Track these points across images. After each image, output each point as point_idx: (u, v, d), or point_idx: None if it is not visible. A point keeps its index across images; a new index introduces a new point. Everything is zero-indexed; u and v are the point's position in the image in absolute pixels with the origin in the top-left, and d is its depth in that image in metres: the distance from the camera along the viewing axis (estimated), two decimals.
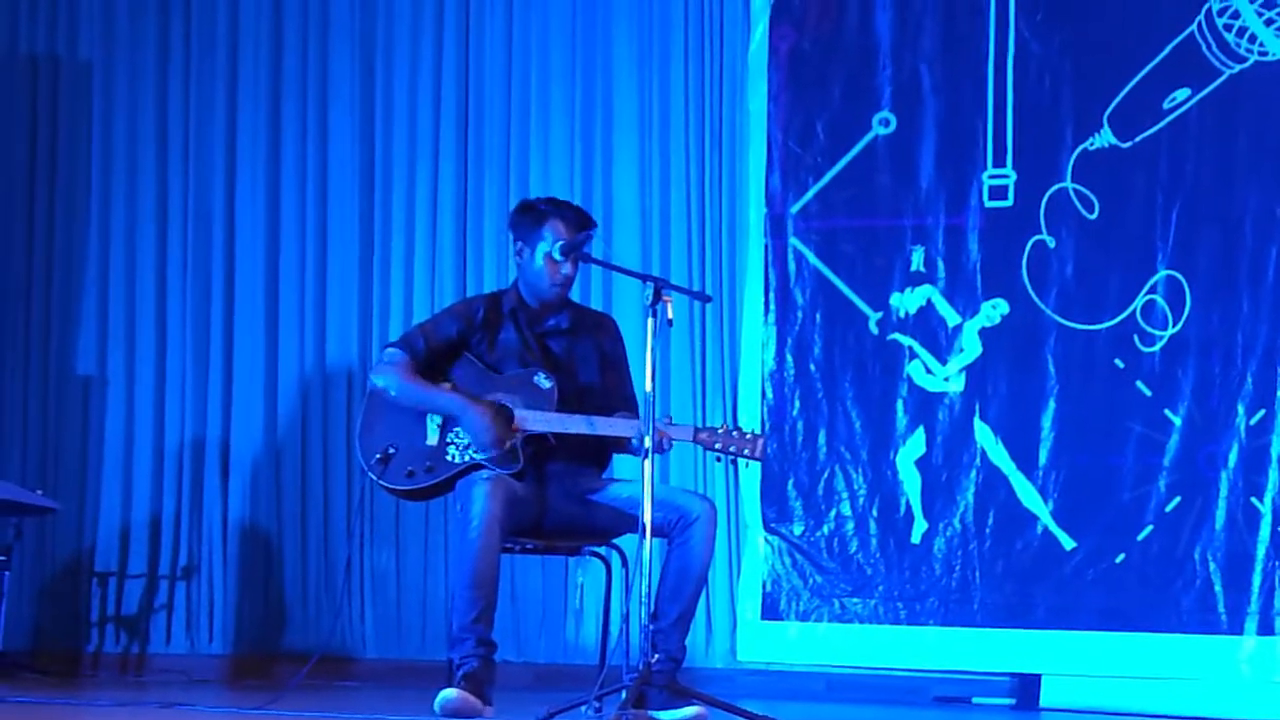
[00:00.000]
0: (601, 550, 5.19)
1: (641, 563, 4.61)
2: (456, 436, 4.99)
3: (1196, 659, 6.02)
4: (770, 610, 6.50)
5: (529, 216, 5.14)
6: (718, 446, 4.89)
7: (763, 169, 6.66)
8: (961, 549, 6.32)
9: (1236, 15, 6.17)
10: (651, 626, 4.67)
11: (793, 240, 6.61)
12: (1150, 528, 6.13)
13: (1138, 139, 6.27)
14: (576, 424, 4.96)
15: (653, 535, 4.67)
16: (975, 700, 6.31)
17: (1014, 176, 6.40)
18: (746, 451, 4.88)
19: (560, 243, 5.04)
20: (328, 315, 7.22)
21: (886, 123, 6.55)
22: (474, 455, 4.96)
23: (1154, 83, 6.24)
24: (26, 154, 7.49)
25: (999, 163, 6.41)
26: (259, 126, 7.34)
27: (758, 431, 4.94)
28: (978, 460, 6.34)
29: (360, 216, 7.22)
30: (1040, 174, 6.36)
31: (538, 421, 4.96)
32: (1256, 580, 5.97)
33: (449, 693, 4.70)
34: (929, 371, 6.43)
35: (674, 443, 4.89)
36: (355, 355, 7.15)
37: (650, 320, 4.70)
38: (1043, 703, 6.16)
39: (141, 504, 7.31)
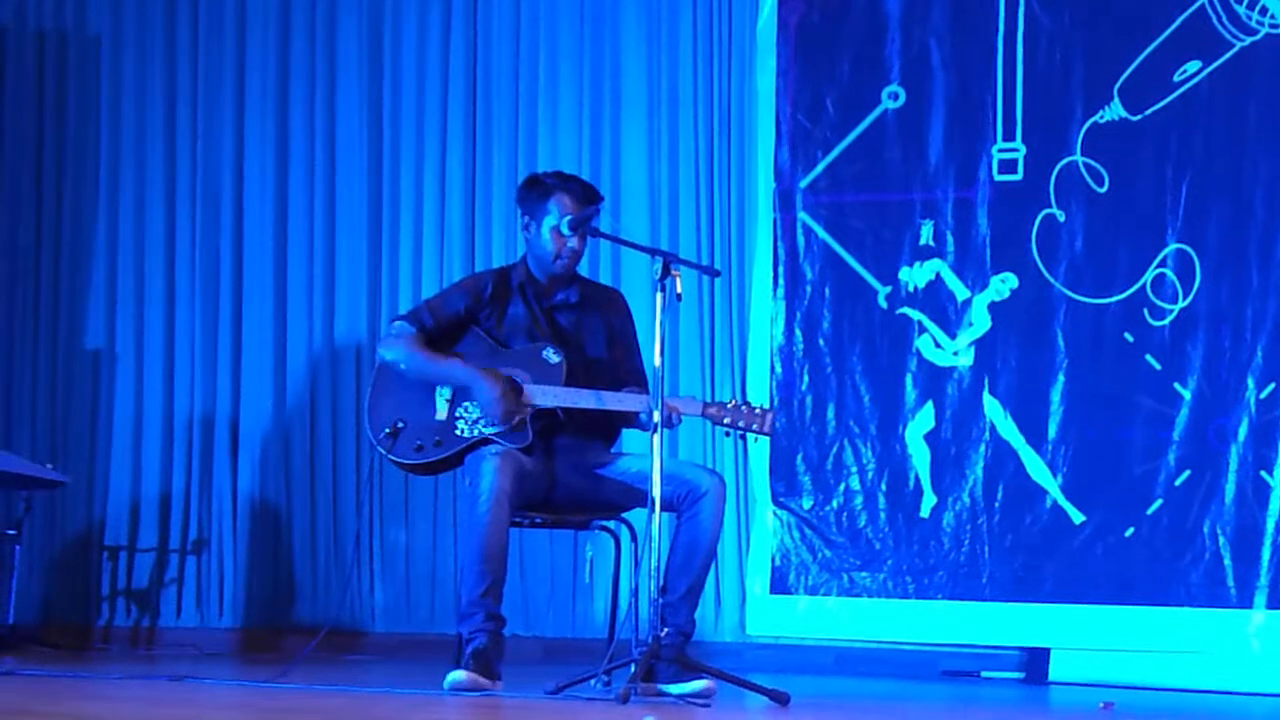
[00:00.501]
0: (610, 524, 5.19)
1: (650, 537, 4.61)
2: (465, 411, 4.99)
3: (1205, 633, 6.02)
4: (779, 584, 6.50)
5: (535, 191, 5.13)
6: (727, 421, 4.88)
7: (771, 143, 6.65)
8: (970, 523, 6.32)
9: None
10: (660, 600, 4.67)
11: (802, 215, 6.60)
12: (1160, 501, 6.13)
13: (1148, 112, 6.25)
14: (585, 399, 4.96)
15: (661, 509, 4.67)
16: (984, 674, 6.31)
17: (1023, 150, 6.38)
18: (755, 426, 4.88)
19: (568, 217, 5.03)
20: (336, 290, 7.23)
21: (896, 96, 6.53)
22: (483, 429, 4.96)
23: (1164, 55, 6.22)
24: (35, 129, 7.49)
25: (1008, 136, 6.39)
26: (267, 102, 7.34)
27: (766, 406, 4.93)
28: (987, 434, 6.34)
29: (369, 192, 7.22)
30: (1050, 147, 6.34)
31: (546, 396, 4.95)
32: (1266, 554, 5.97)
33: (458, 675, 4.70)
34: (938, 346, 6.42)
35: (683, 418, 4.89)
36: (364, 330, 7.15)
37: (659, 295, 4.70)
38: (1051, 676, 6.17)
39: (151, 478, 7.32)
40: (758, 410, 4.88)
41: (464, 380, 4.98)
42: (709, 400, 4.96)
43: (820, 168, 6.60)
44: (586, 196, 5.10)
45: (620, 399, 4.96)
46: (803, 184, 6.61)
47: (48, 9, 7.52)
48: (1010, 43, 6.39)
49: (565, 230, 5.03)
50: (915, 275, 6.46)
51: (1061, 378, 6.27)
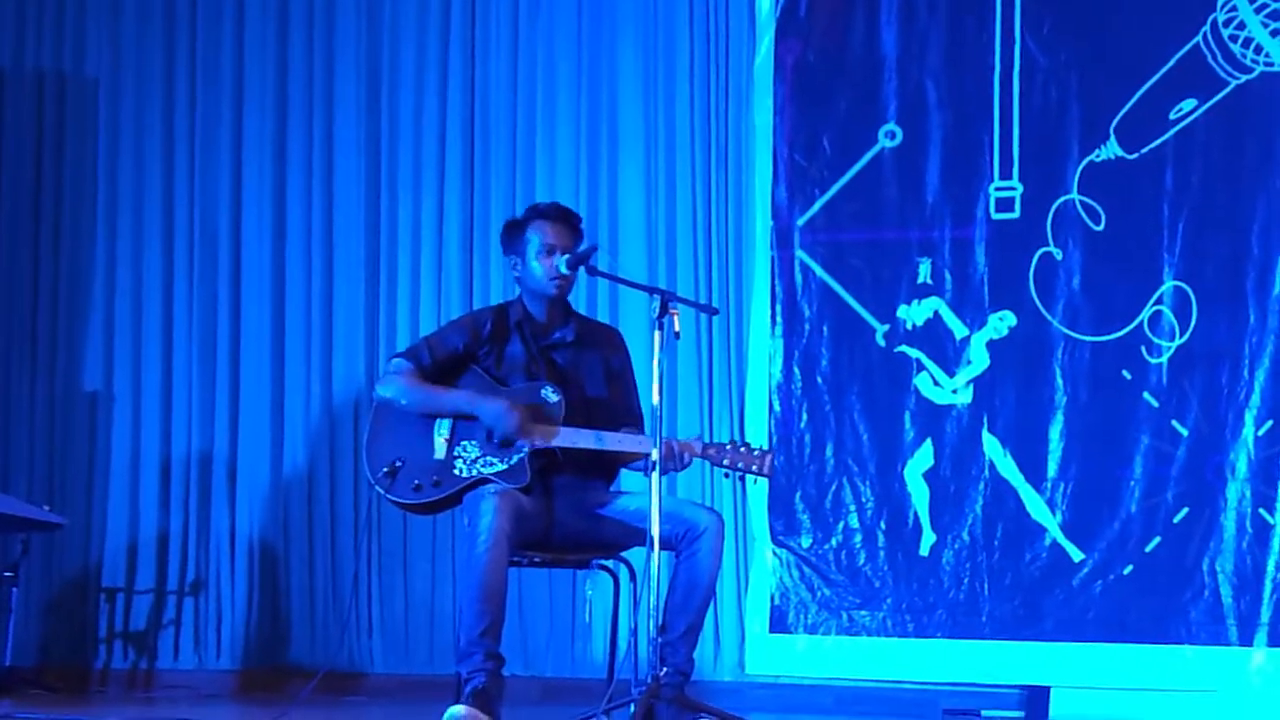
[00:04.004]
0: (609, 563, 5.17)
1: (649, 576, 4.60)
2: (464, 450, 4.98)
3: (1206, 671, 6.01)
4: (778, 623, 6.48)
5: (513, 229, 5.17)
6: (725, 463, 4.88)
7: (769, 182, 6.66)
8: (970, 561, 6.31)
9: (1242, 26, 6.17)
10: (659, 639, 4.66)
11: (799, 253, 6.61)
12: (1158, 539, 6.12)
13: (1144, 150, 6.26)
14: (585, 439, 4.95)
15: (660, 548, 4.66)
16: (984, 713, 6.29)
17: (1020, 189, 6.39)
18: (755, 468, 4.87)
19: (565, 256, 5.03)
20: (334, 329, 7.23)
21: (893, 135, 6.55)
22: (481, 469, 4.95)
23: (1160, 94, 6.24)
24: (33, 169, 7.51)
25: (1005, 175, 6.41)
26: (264, 142, 7.35)
27: (766, 448, 4.93)
28: (986, 472, 6.33)
29: (366, 231, 7.22)
30: (1047, 186, 6.35)
31: (554, 437, 4.93)
32: (1267, 592, 5.96)
33: (457, 709, 4.68)
34: (936, 384, 6.42)
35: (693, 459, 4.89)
36: (362, 369, 7.15)
37: (657, 333, 4.70)
38: (1052, 714, 6.14)
39: (149, 519, 7.31)
40: (756, 451, 4.88)
41: (466, 406, 4.97)
42: (708, 441, 4.94)
43: (817, 206, 6.61)
44: (561, 216, 5.12)
45: (621, 440, 4.96)
46: (800, 222, 6.62)
47: (46, 50, 7.55)
48: (1007, 82, 6.41)
49: (564, 269, 5.03)
50: (913, 313, 6.47)
51: (1060, 415, 6.27)
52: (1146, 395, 6.19)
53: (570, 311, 5.20)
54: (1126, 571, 6.14)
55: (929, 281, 6.46)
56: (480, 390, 5.02)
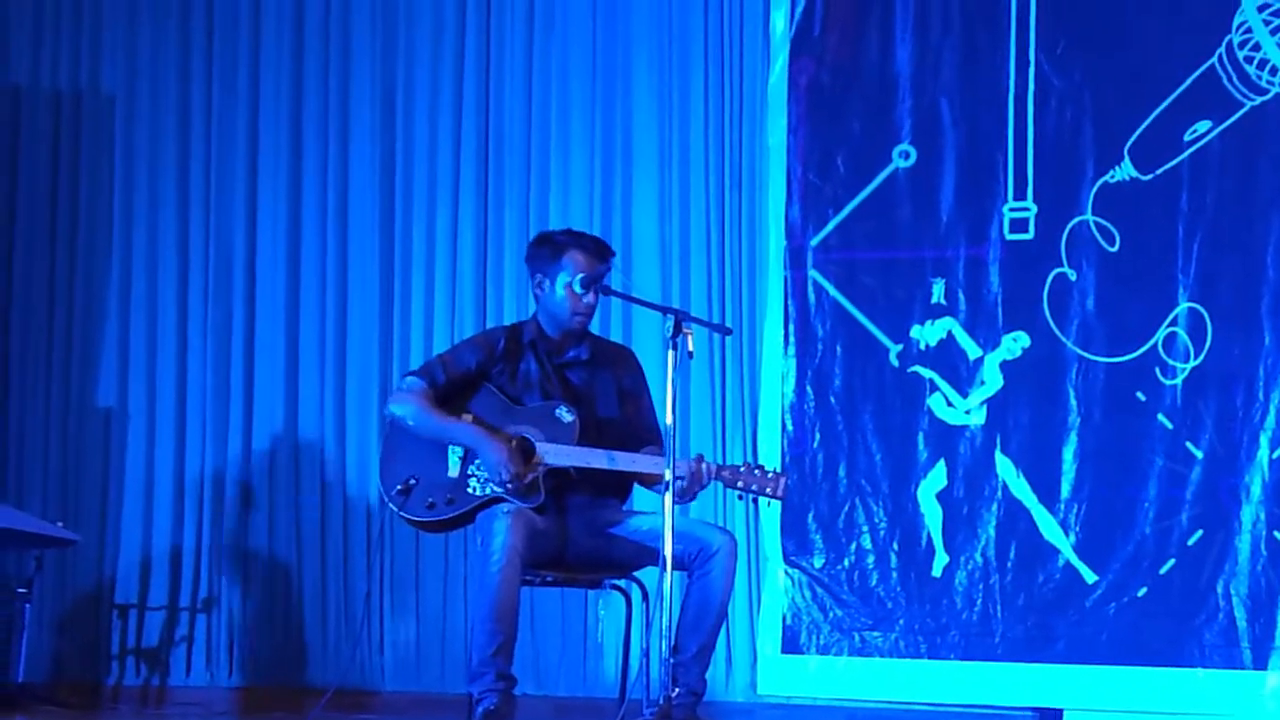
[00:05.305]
0: (622, 583, 5.17)
1: (662, 596, 4.60)
2: (478, 469, 4.98)
3: (1220, 694, 5.99)
4: (790, 644, 6.47)
5: (547, 248, 5.14)
6: (740, 484, 4.87)
7: (782, 201, 6.66)
8: (983, 582, 6.30)
9: (1258, 47, 6.17)
10: (671, 660, 4.65)
11: (813, 272, 6.61)
12: (1172, 561, 6.10)
13: (1159, 171, 6.26)
14: (597, 459, 4.95)
15: (673, 568, 4.65)
16: None
17: (1035, 209, 6.39)
18: (769, 490, 4.86)
19: (581, 275, 5.04)
20: (348, 347, 7.23)
21: (906, 155, 6.55)
22: (495, 489, 4.95)
23: (1175, 115, 6.24)
24: (49, 187, 7.52)
25: (1020, 195, 6.41)
26: (280, 160, 7.36)
27: (779, 470, 4.92)
28: (999, 493, 6.32)
29: (381, 249, 7.23)
30: (1061, 206, 6.35)
31: (561, 455, 4.94)
32: None
33: None
34: (950, 404, 6.41)
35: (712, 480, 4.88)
36: (376, 388, 7.15)
37: (671, 353, 4.70)
38: None
39: (162, 536, 7.31)
40: (770, 474, 4.87)
41: (470, 442, 4.98)
42: (721, 463, 4.94)
43: (831, 225, 6.61)
44: (599, 251, 5.11)
45: (634, 460, 4.95)
46: (814, 241, 6.62)
47: (63, 69, 7.57)
48: (1021, 102, 6.41)
49: (578, 288, 5.04)
50: (927, 333, 6.46)
51: (1074, 437, 6.26)
52: (1161, 417, 6.18)
53: (585, 331, 5.20)
54: (1140, 593, 6.13)
55: (942, 302, 6.45)
56: (493, 416, 5.02)
